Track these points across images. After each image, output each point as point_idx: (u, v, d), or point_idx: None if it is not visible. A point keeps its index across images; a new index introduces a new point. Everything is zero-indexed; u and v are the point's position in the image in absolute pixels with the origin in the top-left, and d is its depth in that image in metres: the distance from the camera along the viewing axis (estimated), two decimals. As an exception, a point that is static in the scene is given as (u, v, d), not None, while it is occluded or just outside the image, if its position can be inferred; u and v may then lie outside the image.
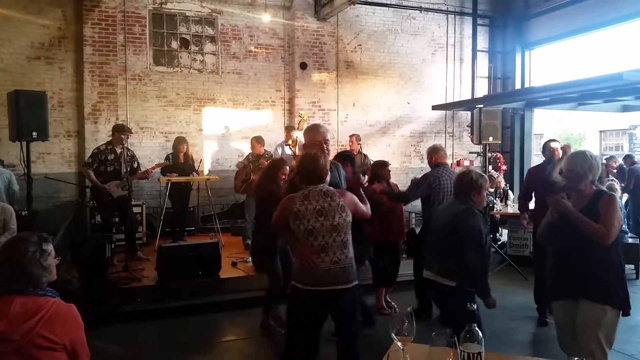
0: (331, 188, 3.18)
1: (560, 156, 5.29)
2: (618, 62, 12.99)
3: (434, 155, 5.33)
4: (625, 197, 8.72)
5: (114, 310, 5.38)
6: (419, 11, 10.78)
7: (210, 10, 9.43)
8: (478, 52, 11.31)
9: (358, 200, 3.26)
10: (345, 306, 3.09)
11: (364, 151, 8.85)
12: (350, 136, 8.85)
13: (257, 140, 7.80)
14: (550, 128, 24.83)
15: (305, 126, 8.58)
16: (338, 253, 3.06)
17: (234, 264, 6.49)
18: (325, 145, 3.61)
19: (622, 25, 9.74)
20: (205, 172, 8.98)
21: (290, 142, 8.10)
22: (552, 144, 5.48)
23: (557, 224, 3.19)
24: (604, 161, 9.25)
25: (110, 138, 7.00)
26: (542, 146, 5.66)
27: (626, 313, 3.11)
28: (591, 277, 3.09)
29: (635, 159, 8.95)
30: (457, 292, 3.32)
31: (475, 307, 1.97)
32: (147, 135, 9.01)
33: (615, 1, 9.10)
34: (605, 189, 3.28)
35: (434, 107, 10.53)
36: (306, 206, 3.04)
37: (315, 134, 3.70)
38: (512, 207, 8.24)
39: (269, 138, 8.40)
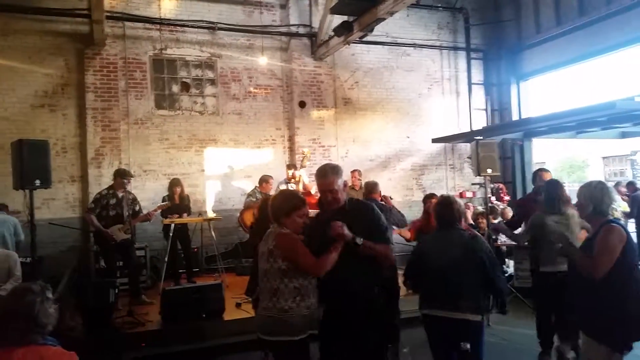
0: (278, 230, 2.98)
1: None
2: (614, 89, 13.19)
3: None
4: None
5: (119, 356, 5.32)
6: (413, 48, 11.03)
7: (209, 55, 9.66)
8: (474, 85, 11.50)
9: (302, 250, 2.92)
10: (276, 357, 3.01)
11: (366, 186, 8.89)
12: (352, 172, 8.92)
13: (269, 179, 7.90)
14: (553, 156, 24.97)
15: (307, 164, 8.70)
16: (267, 300, 2.97)
17: (238, 305, 6.43)
18: (330, 195, 3.09)
19: (612, 55, 9.95)
20: (209, 211, 9.00)
21: (292, 180, 8.18)
22: (544, 174, 5.52)
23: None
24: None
25: (112, 182, 7.07)
26: (532, 175, 5.69)
27: (621, 352, 3.00)
28: (588, 311, 3.07)
29: (638, 185, 8.96)
30: (482, 326, 3.35)
31: (468, 346, 1.96)
32: (150, 178, 9.09)
33: (603, 32, 9.32)
34: (614, 220, 3.17)
35: (434, 140, 10.63)
36: (263, 246, 3.08)
37: (319, 184, 3.19)
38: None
39: (271, 175, 8.45)
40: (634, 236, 4.61)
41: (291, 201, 3.10)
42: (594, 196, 3.11)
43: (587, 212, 3.15)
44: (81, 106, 8.75)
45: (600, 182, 3.24)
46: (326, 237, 2.97)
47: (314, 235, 3.11)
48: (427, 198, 5.68)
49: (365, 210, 3.19)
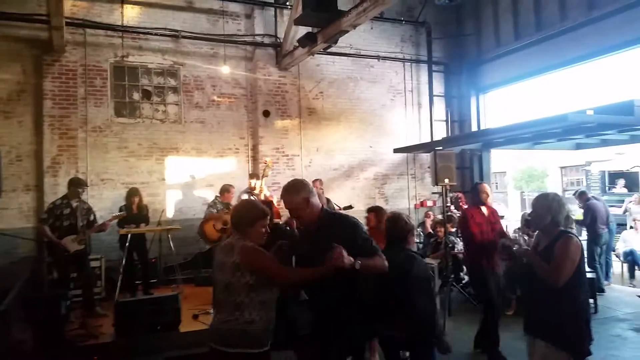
0: (241, 243, 2.88)
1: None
2: (570, 103, 13.67)
3: None
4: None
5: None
6: (376, 60, 11.21)
7: (172, 63, 9.59)
8: (435, 97, 11.75)
9: (270, 262, 2.88)
10: None
11: (327, 195, 8.96)
12: (314, 181, 8.97)
13: (230, 189, 7.86)
14: (514, 166, 25.64)
15: (269, 173, 8.70)
16: (226, 314, 2.87)
17: (195, 317, 6.37)
18: (294, 213, 3.08)
19: (567, 69, 10.32)
20: (169, 222, 8.90)
21: (254, 190, 8.17)
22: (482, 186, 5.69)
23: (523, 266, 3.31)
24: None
25: (67, 192, 6.92)
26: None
27: (577, 356, 3.14)
28: (543, 316, 3.18)
29: (589, 195, 9.27)
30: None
31: (407, 354, 2.02)
32: (107, 187, 8.93)
33: (559, 47, 9.66)
34: (569, 231, 3.28)
35: (395, 150, 10.80)
36: (222, 256, 2.94)
37: (284, 202, 3.14)
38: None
39: (233, 184, 8.40)
40: (584, 244, 4.83)
41: (255, 211, 3.02)
42: (552, 208, 3.22)
43: (545, 223, 3.24)
44: (38, 113, 8.54)
45: (556, 195, 3.37)
46: (308, 252, 2.95)
47: (296, 247, 3.12)
48: (368, 211, 5.59)
49: (343, 224, 3.07)
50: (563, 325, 3.08)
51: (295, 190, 3.03)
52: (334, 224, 3.06)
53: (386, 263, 2.98)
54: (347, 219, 3.12)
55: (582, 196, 9.38)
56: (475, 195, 5.62)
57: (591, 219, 8.80)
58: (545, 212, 3.23)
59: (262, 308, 2.88)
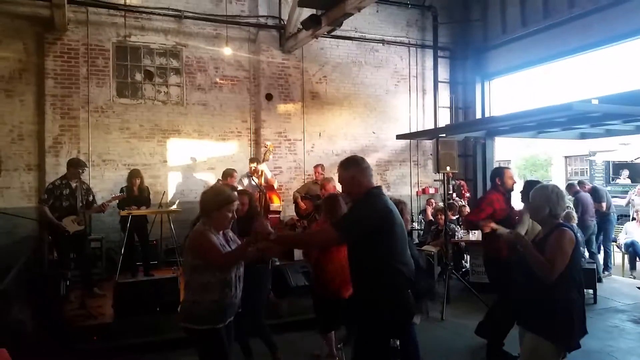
0: (197, 228, 3.21)
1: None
2: (576, 91, 13.54)
3: None
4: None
5: (69, 349, 5.22)
6: (381, 44, 11.08)
7: (174, 43, 9.50)
8: (440, 83, 11.62)
9: (214, 249, 3.10)
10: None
11: (329, 181, 8.91)
12: (315, 167, 8.95)
13: (233, 173, 7.81)
14: (518, 154, 25.51)
15: (270, 157, 8.68)
16: (184, 290, 3.28)
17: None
18: (344, 189, 3.40)
19: (574, 58, 10.19)
20: (170, 204, 8.88)
21: (255, 174, 8.17)
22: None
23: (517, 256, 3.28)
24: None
25: (66, 172, 6.91)
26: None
27: (565, 349, 3.13)
28: (534, 307, 3.17)
29: (578, 188, 9.25)
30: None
31: (397, 343, 2.02)
32: (109, 168, 8.92)
33: (566, 35, 9.53)
34: (566, 224, 3.26)
35: (398, 137, 10.71)
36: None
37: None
38: (474, 235, 8.36)
39: (235, 168, 8.38)
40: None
41: (223, 195, 3.24)
42: (551, 199, 3.19)
43: (543, 214, 3.22)
44: (40, 92, 8.49)
45: (555, 186, 3.34)
46: None
47: None
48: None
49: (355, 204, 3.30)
50: (552, 318, 3.06)
51: (345, 166, 3.24)
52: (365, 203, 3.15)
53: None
54: (370, 201, 3.14)
55: (571, 188, 9.37)
56: (499, 180, 5.27)
57: (582, 211, 8.81)
58: (543, 203, 3.20)
59: (203, 290, 3.11)
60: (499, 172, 5.42)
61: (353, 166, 3.19)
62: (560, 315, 3.06)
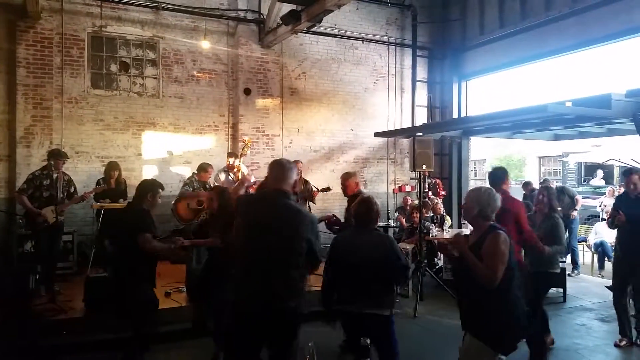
0: None
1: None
2: (551, 93, 13.79)
3: None
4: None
5: (37, 344, 5.12)
6: (361, 41, 11.10)
7: (151, 35, 9.36)
8: (418, 82, 11.71)
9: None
10: None
11: (307, 177, 8.92)
12: (294, 162, 8.90)
13: (208, 168, 7.69)
14: (493, 154, 25.93)
15: (248, 152, 8.60)
16: None
17: (167, 295, 6.33)
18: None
19: (550, 60, 10.35)
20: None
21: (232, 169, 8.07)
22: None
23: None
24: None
25: (45, 163, 6.75)
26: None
27: (506, 354, 3.11)
28: (473, 311, 3.17)
29: (533, 186, 9.43)
30: (391, 319, 3.62)
31: (368, 341, 2.03)
32: (82, 160, 8.75)
33: (543, 37, 9.67)
34: (497, 225, 3.21)
35: (376, 134, 10.77)
36: None
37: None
38: (448, 233, 8.46)
39: (212, 163, 8.29)
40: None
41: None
42: (481, 200, 3.18)
43: (473, 214, 3.20)
44: (11, 81, 8.26)
45: (488, 188, 3.33)
46: None
47: None
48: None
49: None
50: (489, 320, 3.05)
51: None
52: None
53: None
54: None
55: (527, 186, 9.56)
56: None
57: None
58: (473, 204, 3.19)
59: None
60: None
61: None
62: (497, 317, 3.04)
